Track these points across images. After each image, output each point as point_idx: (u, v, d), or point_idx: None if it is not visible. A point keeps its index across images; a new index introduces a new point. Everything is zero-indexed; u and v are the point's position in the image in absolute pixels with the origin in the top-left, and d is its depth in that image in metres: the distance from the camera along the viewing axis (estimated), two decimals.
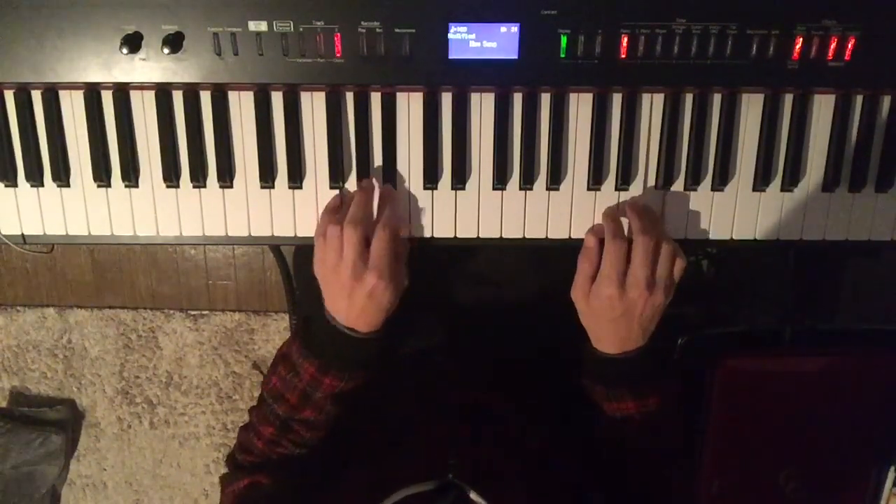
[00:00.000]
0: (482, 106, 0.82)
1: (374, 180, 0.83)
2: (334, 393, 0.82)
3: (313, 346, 0.82)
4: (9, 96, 0.81)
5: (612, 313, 0.78)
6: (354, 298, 0.78)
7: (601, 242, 0.81)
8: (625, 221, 0.83)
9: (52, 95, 0.80)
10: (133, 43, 0.76)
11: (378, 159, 0.83)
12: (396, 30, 0.77)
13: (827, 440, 1.09)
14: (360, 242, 0.77)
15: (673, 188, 0.84)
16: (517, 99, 0.81)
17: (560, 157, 0.83)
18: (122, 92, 0.80)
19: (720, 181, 0.83)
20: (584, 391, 0.86)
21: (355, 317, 0.79)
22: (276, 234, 0.85)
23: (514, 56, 0.78)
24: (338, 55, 0.78)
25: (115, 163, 0.83)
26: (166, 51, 0.76)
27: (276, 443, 0.85)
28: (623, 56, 0.78)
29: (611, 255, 0.78)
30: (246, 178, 0.83)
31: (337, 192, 0.83)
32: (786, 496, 1.08)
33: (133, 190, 0.83)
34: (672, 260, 0.79)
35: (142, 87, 0.80)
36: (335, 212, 0.81)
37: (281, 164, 0.83)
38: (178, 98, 0.81)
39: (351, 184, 0.83)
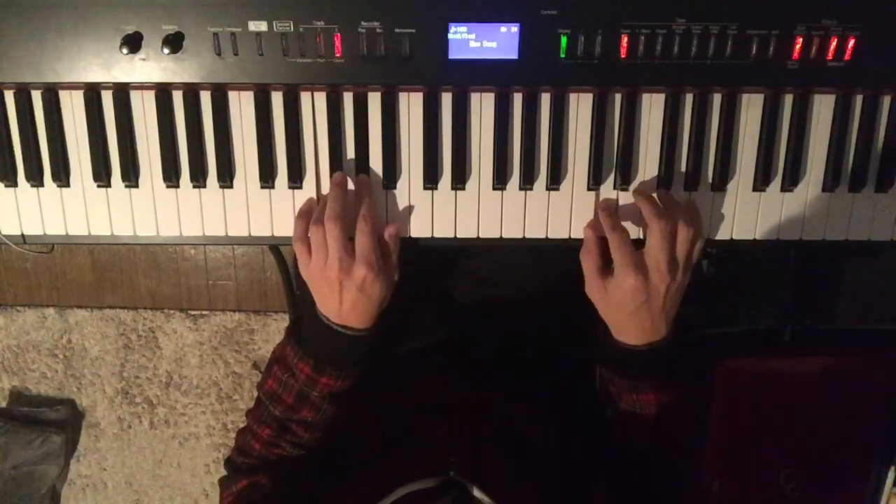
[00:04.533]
0: (482, 106, 0.82)
1: (345, 175, 0.82)
2: (331, 392, 0.82)
3: (307, 346, 0.82)
4: (9, 96, 0.81)
5: (635, 303, 0.77)
6: (345, 294, 0.77)
7: (599, 236, 0.81)
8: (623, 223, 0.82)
9: (52, 95, 0.80)
10: (133, 43, 0.76)
11: (378, 159, 0.83)
12: (396, 30, 0.77)
13: (827, 440, 1.09)
14: (344, 237, 0.76)
15: (673, 188, 0.84)
16: (517, 99, 0.81)
17: (560, 157, 0.83)
18: (122, 92, 0.80)
19: (720, 181, 0.83)
20: (601, 382, 0.86)
21: (347, 313, 0.79)
22: (276, 234, 0.85)
23: (514, 56, 0.78)
24: (338, 55, 0.78)
25: (115, 163, 0.83)
26: (166, 51, 0.76)
27: (274, 444, 0.84)
28: (623, 56, 0.78)
29: (615, 245, 0.78)
30: (246, 178, 0.83)
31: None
32: (786, 496, 1.08)
33: (133, 190, 0.83)
34: (691, 240, 0.78)
35: (142, 87, 0.80)
36: (309, 215, 0.80)
37: (281, 164, 0.83)
38: (178, 98, 0.81)
39: (351, 183, 0.83)
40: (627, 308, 0.78)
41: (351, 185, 0.82)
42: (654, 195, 0.82)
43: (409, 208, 0.84)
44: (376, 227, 0.79)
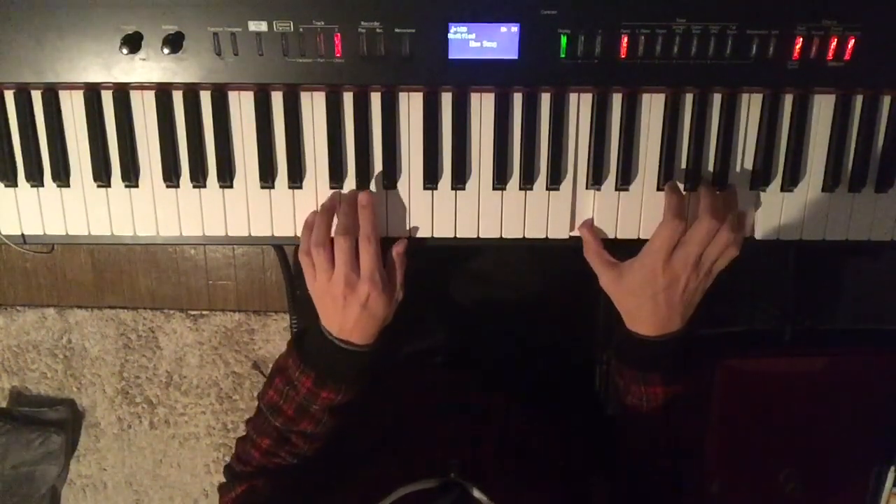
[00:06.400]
0: (482, 106, 0.82)
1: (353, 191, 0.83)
2: (331, 406, 0.82)
3: (309, 359, 0.82)
4: (9, 96, 0.81)
5: (653, 287, 0.78)
6: (349, 310, 0.78)
7: (597, 236, 0.82)
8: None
9: (52, 95, 0.80)
10: (133, 43, 0.76)
11: (378, 159, 0.83)
12: (396, 30, 0.77)
13: (827, 440, 1.09)
14: (351, 253, 0.77)
15: None
16: (517, 99, 0.81)
17: (560, 157, 0.83)
18: (122, 92, 0.80)
19: (720, 181, 0.83)
20: (605, 377, 0.86)
21: (350, 329, 0.79)
22: (276, 234, 0.85)
23: (514, 56, 0.78)
24: (338, 55, 0.78)
25: (115, 163, 0.83)
26: (166, 51, 0.76)
27: (273, 454, 0.85)
28: (623, 56, 0.78)
29: (663, 235, 0.77)
30: (246, 178, 0.83)
31: (338, 193, 0.83)
32: (786, 496, 1.08)
33: (133, 190, 0.83)
34: (725, 247, 0.78)
35: (142, 87, 0.80)
36: (315, 230, 0.81)
37: (281, 164, 0.83)
38: (178, 98, 0.81)
39: (350, 183, 0.83)
40: (645, 293, 0.78)
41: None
42: (719, 192, 0.82)
43: (409, 208, 0.84)
44: (381, 246, 0.80)
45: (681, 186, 0.83)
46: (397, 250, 0.82)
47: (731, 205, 0.82)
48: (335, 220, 0.81)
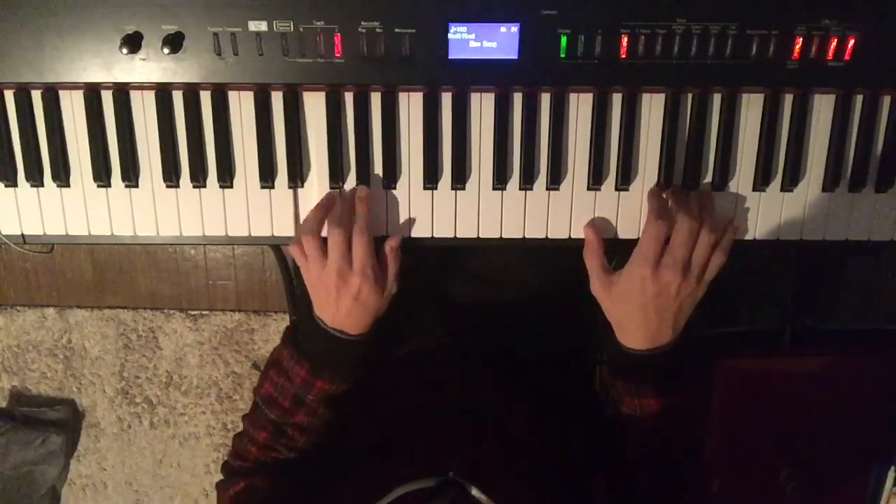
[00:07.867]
0: (482, 106, 0.82)
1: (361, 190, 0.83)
2: (326, 395, 0.82)
3: (304, 350, 0.83)
4: (9, 96, 0.81)
5: (643, 296, 0.77)
6: (341, 301, 0.78)
7: (601, 238, 0.81)
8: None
9: (52, 95, 0.80)
10: (133, 43, 0.76)
11: (378, 159, 0.83)
12: (396, 30, 0.77)
13: (827, 440, 1.09)
14: (344, 246, 0.77)
15: None
16: (517, 99, 0.81)
17: (560, 157, 0.83)
18: (122, 92, 0.80)
19: (720, 181, 0.83)
20: (603, 383, 0.86)
21: (342, 319, 0.80)
22: (276, 234, 0.85)
23: (514, 56, 0.78)
24: (338, 55, 0.78)
25: (115, 163, 0.83)
26: (166, 51, 0.76)
27: (270, 448, 0.85)
28: (623, 56, 0.78)
29: (648, 235, 0.77)
30: (246, 178, 0.83)
31: (337, 191, 0.83)
32: (786, 496, 1.08)
33: (133, 190, 0.83)
34: (710, 249, 0.77)
35: (142, 87, 0.80)
36: (308, 223, 0.81)
37: (281, 163, 0.83)
38: (178, 98, 0.81)
39: (350, 183, 0.83)
40: (635, 302, 0.78)
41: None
42: (694, 194, 0.82)
43: (409, 208, 0.84)
44: (373, 239, 0.79)
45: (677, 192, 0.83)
46: (391, 245, 0.81)
47: (706, 205, 0.82)
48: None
